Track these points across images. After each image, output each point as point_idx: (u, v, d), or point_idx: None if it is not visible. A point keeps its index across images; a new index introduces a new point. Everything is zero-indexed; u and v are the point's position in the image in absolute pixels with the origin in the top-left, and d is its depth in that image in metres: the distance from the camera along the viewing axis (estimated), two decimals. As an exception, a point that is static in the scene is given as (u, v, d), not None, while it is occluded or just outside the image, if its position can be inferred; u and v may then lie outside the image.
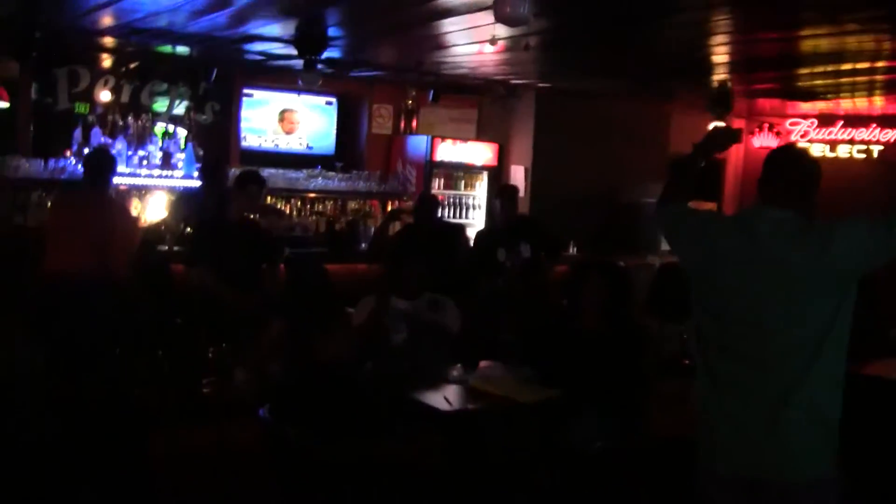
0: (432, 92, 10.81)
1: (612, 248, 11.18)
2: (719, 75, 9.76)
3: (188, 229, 8.77)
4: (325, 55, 9.08)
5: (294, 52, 8.86)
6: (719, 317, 3.79)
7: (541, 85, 11.27)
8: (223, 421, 7.44)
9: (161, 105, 10.51)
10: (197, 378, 7.86)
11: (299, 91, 11.11)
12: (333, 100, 11.83)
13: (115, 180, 9.57)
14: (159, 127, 10.38)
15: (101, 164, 7.72)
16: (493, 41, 6.89)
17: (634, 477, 5.34)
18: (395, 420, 4.89)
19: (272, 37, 8.44)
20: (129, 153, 10.01)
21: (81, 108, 10.08)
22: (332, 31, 8.18)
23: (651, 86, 10.95)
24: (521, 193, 11.66)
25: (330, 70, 9.89)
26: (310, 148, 11.72)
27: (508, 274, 8.83)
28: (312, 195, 11.01)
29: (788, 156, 3.98)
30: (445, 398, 5.33)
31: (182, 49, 9.49)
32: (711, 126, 11.72)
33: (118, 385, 6.38)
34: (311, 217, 10.88)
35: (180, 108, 10.60)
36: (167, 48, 9.50)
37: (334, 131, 11.88)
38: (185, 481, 6.36)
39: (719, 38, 7.72)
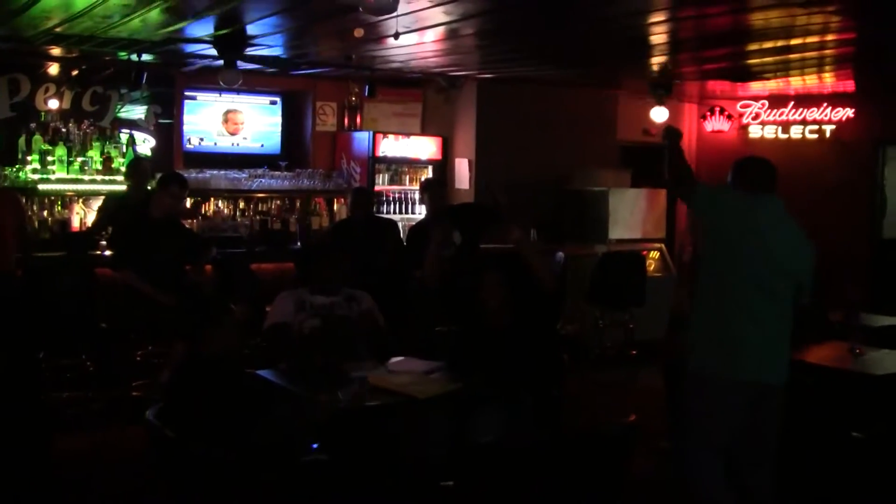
0: (367, 86, 10.80)
1: (560, 237, 11.19)
2: (666, 55, 9.62)
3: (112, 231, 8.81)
4: (261, 53, 9.12)
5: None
6: (758, 265, 5.14)
7: (482, 76, 11.26)
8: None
9: (102, 110, 10.52)
10: (126, 381, 7.94)
11: (243, 91, 11.13)
12: (277, 99, 11.89)
13: (58, 187, 9.74)
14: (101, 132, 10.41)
15: None
16: (357, 32, 6.88)
17: (548, 470, 5.28)
18: (277, 417, 4.87)
19: (194, 38, 8.47)
20: (71, 159, 10.04)
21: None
22: (255, 29, 8.18)
23: (595, 70, 10.91)
24: (466, 186, 11.71)
25: (259, 68, 9.93)
26: (255, 147, 11.75)
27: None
28: (260, 195, 11.02)
29: (768, 163, 5.45)
30: (339, 394, 5.31)
31: (122, 54, 9.52)
32: (653, 111, 11.79)
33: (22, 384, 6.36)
34: (256, 217, 10.89)
35: (121, 113, 10.61)
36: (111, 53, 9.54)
37: (279, 130, 11.92)
38: (113, 481, 6.42)
39: (664, 15, 7.55)
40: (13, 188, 9.09)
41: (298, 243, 10.35)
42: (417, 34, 8.09)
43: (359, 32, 6.99)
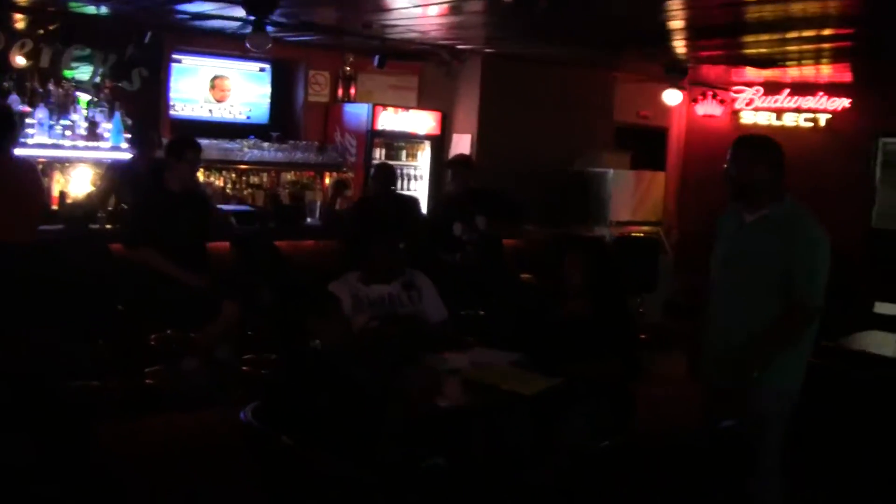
0: (378, 57, 10.26)
1: (563, 219, 10.89)
2: (670, 41, 9.48)
3: (123, 205, 8.14)
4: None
5: (229, 12, 8.30)
6: None
7: (487, 50, 10.82)
8: (172, 412, 6.95)
9: (84, 72, 9.78)
10: (139, 368, 7.30)
11: (232, 56, 10.54)
12: (267, 66, 11.20)
13: (36, 152, 8.98)
14: (83, 95, 9.67)
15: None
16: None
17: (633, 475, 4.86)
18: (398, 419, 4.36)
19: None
20: (52, 123, 9.29)
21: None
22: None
23: (603, 52, 10.60)
24: (466, 163, 11.27)
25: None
26: (242, 117, 11.08)
27: (466, 249, 8.40)
28: (245, 166, 10.40)
29: None
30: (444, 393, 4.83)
31: (105, 10, 8.85)
32: (665, 93, 11.53)
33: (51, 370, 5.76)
34: (247, 190, 10.28)
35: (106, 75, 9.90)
36: (91, 9, 8.84)
37: (268, 99, 11.27)
38: (131, 477, 5.85)
39: (671, 4, 7.49)
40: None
41: (308, 219, 9.76)
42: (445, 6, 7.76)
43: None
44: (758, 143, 5.09)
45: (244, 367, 7.63)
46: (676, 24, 8.46)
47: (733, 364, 4.76)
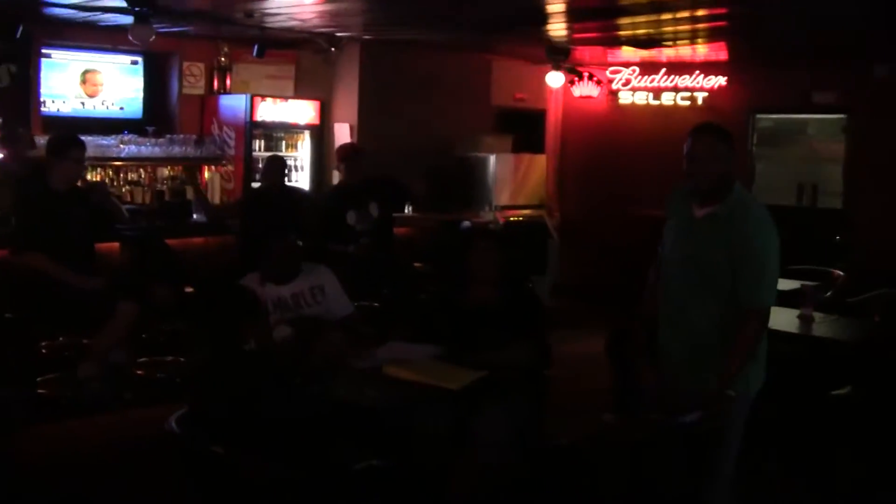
0: (257, 46, 10.01)
1: (447, 205, 10.85)
2: (547, 24, 9.46)
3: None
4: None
5: (105, 3, 8.03)
6: None
7: (365, 37, 10.70)
8: (66, 420, 6.74)
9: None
10: (30, 377, 7.04)
11: (103, 49, 10.28)
12: (139, 59, 10.84)
13: None
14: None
15: None
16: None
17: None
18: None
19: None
20: (-84, 122, 8.90)
21: None
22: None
23: (480, 35, 10.58)
24: (350, 152, 11.14)
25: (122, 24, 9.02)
26: (115, 112, 10.71)
27: (360, 239, 8.32)
28: (121, 163, 10.05)
29: None
30: (368, 393, 4.72)
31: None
32: (548, 76, 11.59)
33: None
34: (126, 187, 9.99)
35: None
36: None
37: (142, 93, 10.92)
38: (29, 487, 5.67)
39: None
40: None
41: (195, 216, 9.49)
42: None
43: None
44: (728, 135, 4.52)
45: (139, 371, 7.45)
46: (554, 7, 8.47)
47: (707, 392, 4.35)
